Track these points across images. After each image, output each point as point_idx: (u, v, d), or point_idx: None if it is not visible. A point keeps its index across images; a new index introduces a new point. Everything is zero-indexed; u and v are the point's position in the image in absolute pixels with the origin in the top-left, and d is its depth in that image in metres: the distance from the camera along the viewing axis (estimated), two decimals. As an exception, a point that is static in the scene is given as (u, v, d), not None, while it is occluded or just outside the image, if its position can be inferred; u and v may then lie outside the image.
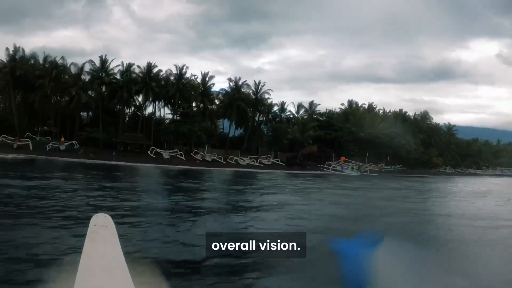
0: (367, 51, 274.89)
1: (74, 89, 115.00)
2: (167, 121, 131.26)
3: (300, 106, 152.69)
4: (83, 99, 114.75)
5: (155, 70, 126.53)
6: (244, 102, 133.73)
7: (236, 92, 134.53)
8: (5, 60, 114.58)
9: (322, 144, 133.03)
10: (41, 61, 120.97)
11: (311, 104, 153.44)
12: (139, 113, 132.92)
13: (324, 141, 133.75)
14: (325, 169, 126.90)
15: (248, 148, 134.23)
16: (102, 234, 3.61)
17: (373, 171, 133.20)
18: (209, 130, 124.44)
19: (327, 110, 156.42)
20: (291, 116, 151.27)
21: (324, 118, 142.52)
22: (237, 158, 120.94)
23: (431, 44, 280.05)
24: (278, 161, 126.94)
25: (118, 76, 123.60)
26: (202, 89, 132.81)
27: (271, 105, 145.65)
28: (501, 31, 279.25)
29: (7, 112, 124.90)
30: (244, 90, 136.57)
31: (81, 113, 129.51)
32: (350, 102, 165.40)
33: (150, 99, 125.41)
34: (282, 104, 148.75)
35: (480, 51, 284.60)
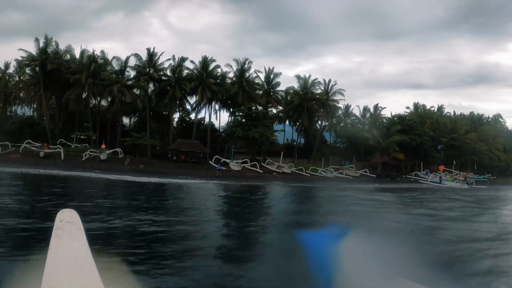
0: (405, 57, 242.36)
1: (117, 87, 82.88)
2: (222, 125, 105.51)
3: (366, 109, 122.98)
4: (128, 98, 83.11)
5: (212, 66, 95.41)
6: (316, 103, 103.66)
7: (307, 91, 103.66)
8: (34, 53, 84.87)
9: (404, 151, 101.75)
10: (77, 55, 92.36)
11: (376, 107, 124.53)
12: (187, 118, 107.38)
13: (407, 148, 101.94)
14: (420, 180, 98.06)
15: (318, 156, 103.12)
16: (68, 230, 3.25)
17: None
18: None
19: (392, 114, 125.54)
20: (356, 120, 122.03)
21: (407, 121, 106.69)
22: (321, 169, 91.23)
23: (469, 48, 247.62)
24: (366, 172, 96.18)
25: (168, 72, 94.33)
26: (267, 87, 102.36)
27: (343, 108, 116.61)
28: None
29: (39, 116, 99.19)
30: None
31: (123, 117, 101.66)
32: (416, 105, 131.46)
33: (205, 100, 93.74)
34: (347, 107, 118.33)
35: None
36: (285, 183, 69.25)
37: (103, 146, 75.26)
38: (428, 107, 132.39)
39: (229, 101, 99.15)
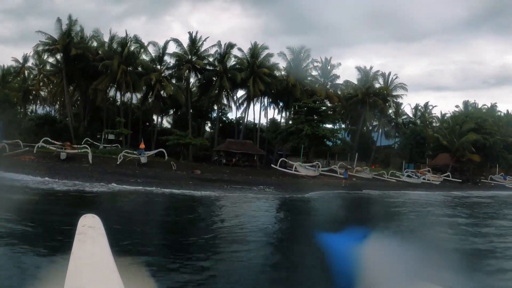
0: (427, 59, 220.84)
1: (155, 76, 60.43)
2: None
3: (416, 108, 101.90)
4: (169, 90, 61.52)
5: (263, 54, 73.42)
6: (378, 97, 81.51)
7: (370, 84, 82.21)
8: (55, 37, 63.98)
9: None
10: (106, 41, 70.29)
11: (426, 106, 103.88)
12: (223, 117, 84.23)
13: (479, 148, 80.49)
14: (507, 185, 77.84)
15: (377, 158, 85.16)
16: (90, 235, 3.07)
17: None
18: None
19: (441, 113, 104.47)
20: (407, 120, 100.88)
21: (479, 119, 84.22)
22: (400, 173, 70.38)
23: (491, 49, 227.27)
24: (448, 176, 75.22)
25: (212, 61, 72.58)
26: (324, 80, 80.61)
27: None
28: None
29: (61, 115, 78.10)
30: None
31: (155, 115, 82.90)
32: (466, 104, 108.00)
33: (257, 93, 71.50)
34: (398, 105, 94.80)
35: None
36: (400, 191, 52.16)
37: (142, 145, 53.53)
38: (479, 106, 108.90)
39: (279, 96, 78.05)
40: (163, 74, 67.44)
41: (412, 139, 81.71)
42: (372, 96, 79.45)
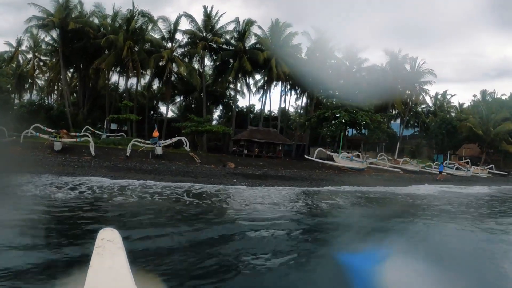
0: (427, 51, 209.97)
1: (167, 53, 47.06)
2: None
3: (436, 97, 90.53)
4: (183, 69, 48.45)
5: (286, 32, 59.99)
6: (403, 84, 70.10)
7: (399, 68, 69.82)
8: (51, 10, 50.73)
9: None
10: (109, 14, 56.79)
11: (444, 94, 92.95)
12: (232, 104, 65.52)
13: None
14: None
15: (403, 149, 71.72)
16: (109, 249, 2.90)
17: None
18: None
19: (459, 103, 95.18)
20: (426, 109, 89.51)
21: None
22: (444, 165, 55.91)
23: (492, 41, 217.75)
24: (492, 168, 63.34)
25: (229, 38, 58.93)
26: (348, 62, 66.55)
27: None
28: None
29: (58, 102, 64.09)
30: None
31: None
32: (484, 93, 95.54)
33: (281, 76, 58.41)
34: (426, 92, 78.33)
35: None
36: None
37: (156, 133, 39.97)
38: (497, 95, 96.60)
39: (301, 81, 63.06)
40: (175, 53, 54.19)
41: (443, 128, 68.96)
42: (402, 82, 66.91)
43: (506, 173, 61.41)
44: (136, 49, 51.85)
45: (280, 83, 63.68)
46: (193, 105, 65.84)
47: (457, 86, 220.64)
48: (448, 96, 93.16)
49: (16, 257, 9.26)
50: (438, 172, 48.63)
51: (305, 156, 47.43)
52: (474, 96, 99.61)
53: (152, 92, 65.76)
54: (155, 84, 64.91)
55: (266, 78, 60.87)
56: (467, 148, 77.47)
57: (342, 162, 44.04)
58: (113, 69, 56.00)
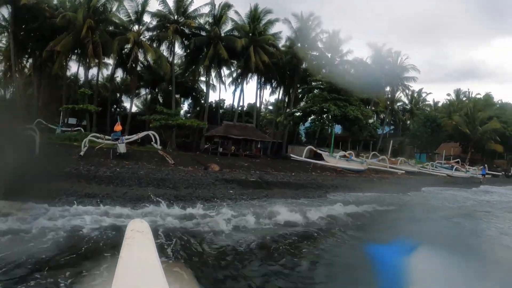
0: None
1: (133, 36, 39.36)
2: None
3: (412, 95, 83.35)
4: (152, 54, 40.42)
5: (266, 19, 53.09)
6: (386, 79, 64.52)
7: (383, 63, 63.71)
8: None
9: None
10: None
11: (420, 92, 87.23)
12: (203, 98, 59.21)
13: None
14: None
15: (382, 148, 63.20)
16: (138, 240, 2.83)
17: None
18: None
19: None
20: (402, 108, 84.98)
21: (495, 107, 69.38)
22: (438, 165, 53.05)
23: (456, 43, 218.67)
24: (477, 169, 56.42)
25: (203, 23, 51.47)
26: (330, 55, 58.66)
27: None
28: None
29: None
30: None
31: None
32: (458, 92, 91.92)
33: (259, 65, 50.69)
34: (408, 89, 73.36)
35: (506, 49, 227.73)
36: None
37: (119, 127, 32.08)
38: (472, 94, 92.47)
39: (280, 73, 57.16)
40: (142, 37, 46.57)
41: (428, 126, 63.43)
42: (385, 77, 61.24)
43: (499, 174, 56.43)
44: (98, 31, 44.02)
45: (256, 76, 56.78)
46: (160, 98, 58.19)
47: (420, 87, 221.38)
48: (424, 94, 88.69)
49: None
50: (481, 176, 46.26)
51: (291, 155, 40.58)
52: (448, 95, 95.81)
53: (115, 83, 58.05)
54: (119, 76, 57.55)
55: (242, 68, 53.89)
56: (446, 147, 72.71)
57: (334, 162, 37.33)
58: (71, 54, 48.05)
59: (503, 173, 58.18)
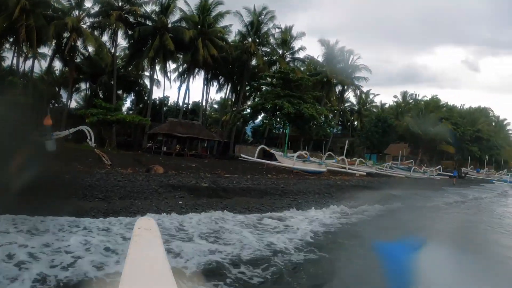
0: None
1: (72, 21, 35.10)
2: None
3: (360, 95, 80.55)
4: (92, 42, 36.03)
5: (217, 11, 49.91)
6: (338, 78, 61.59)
7: (336, 60, 61.82)
8: None
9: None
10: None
11: (367, 93, 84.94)
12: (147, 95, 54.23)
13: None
14: (494, 181, 59.27)
15: (332, 148, 59.89)
16: (146, 237, 2.76)
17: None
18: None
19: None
20: (349, 108, 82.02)
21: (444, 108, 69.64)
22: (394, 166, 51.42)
23: (398, 49, 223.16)
24: (439, 169, 57.12)
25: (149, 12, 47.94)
26: (282, 51, 57.01)
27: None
28: (467, 38, 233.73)
29: None
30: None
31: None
32: (405, 94, 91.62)
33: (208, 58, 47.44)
34: (359, 89, 71.77)
35: (446, 57, 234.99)
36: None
37: (49, 121, 27.45)
38: (419, 96, 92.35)
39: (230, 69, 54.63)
40: (82, 24, 42.06)
41: (379, 126, 61.82)
42: (339, 76, 59.12)
43: (457, 175, 55.62)
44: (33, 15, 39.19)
45: (203, 71, 53.35)
46: (101, 93, 53.52)
47: (365, 88, 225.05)
48: (371, 96, 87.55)
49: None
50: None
51: (242, 155, 37.30)
52: (395, 97, 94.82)
53: (53, 76, 53.05)
54: (57, 68, 52.70)
55: (189, 63, 50.41)
56: (395, 147, 71.72)
57: (290, 163, 34.34)
58: (3, 40, 42.95)
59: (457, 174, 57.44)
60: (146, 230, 2.84)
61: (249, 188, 18.93)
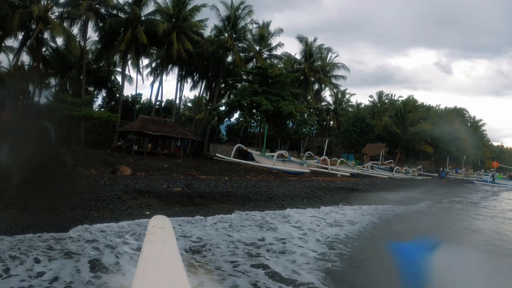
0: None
1: (38, 9, 32.55)
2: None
3: (337, 95, 79.38)
4: (58, 33, 33.06)
5: (192, 4, 47.79)
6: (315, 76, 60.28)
7: (314, 58, 60.45)
8: None
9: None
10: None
11: (343, 93, 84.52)
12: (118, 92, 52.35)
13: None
14: (474, 181, 57.60)
15: (309, 148, 63.09)
16: (160, 235, 2.81)
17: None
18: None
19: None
20: (326, 108, 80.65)
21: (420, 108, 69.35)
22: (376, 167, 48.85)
23: (371, 51, 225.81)
24: (420, 170, 54.62)
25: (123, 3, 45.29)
26: (259, 47, 55.29)
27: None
28: (440, 41, 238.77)
29: None
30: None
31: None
32: (381, 94, 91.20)
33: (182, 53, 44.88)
34: (336, 88, 70.80)
35: (419, 59, 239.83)
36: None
37: (6, 116, 24.76)
38: (395, 97, 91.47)
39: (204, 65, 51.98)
40: (50, 13, 39.35)
41: (357, 126, 60.29)
42: (317, 74, 57.49)
43: (435, 175, 54.63)
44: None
45: (177, 68, 51.13)
46: (69, 88, 50.72)
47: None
48: (347, 95, 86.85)
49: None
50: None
51: (218, 155, 35.25)
52: (371, 96, 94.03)
53: (21, 71, 50.12)
54: (26, 62, 49.82)
55: (163, 58, 48.13)
56: (371, 147, 70.53)
57: (269, 163, 32.27)
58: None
59: (437, 174, 56.28)
60: (160, 228, 2.86)
61: (229, 193, 16.22)
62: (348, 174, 36.11)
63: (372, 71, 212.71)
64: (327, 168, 35.70)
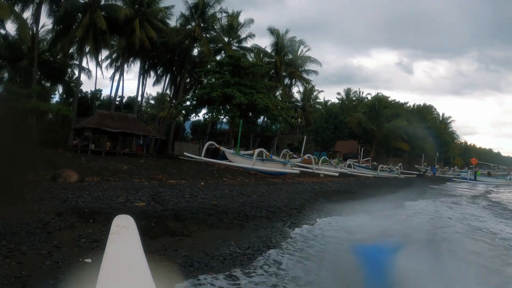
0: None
1: None
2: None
3: (305, 91, 75.41)
4: (8, 15, 28.71)
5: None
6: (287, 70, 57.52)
7: (286, 51, 57.10)
8: None
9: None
10: None
11: (311, 90, 79.14)
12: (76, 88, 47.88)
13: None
14: (453, 178, 54.11)
15: (279, 146, 55.88)
16: (124, 235, 2.68)
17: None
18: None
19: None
20: (294, 104, 70.21)
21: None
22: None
23: (334, 50, 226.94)
24: (400, 167, 50.08)
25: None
26: (228, 38, 51.28)
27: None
28: (402, 42, 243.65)
29: None
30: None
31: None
32: (348, 91, 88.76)
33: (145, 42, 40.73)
34: (308, 83, 65.95)
35: (381, 59, 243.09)
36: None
37: None
38: (363, 94, 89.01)
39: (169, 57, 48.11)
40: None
41: (330, 123, 56.93)
42: (289, 68, 53.92)
43: (425, 174, 52.72)
44: None
45: (139, 60, 46.58)
46: (20, 80, 45.28)
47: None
48: (315, 92, 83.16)
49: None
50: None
51: (186, 154, 30.97)
52: (339, 94, 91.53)
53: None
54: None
55: (124, 48, 43.43)
56: (342, 144, 67.58)
57: (247, 163, 28.12)
58: None
59: (419, 173, 53.83)
60: (124, 228, 2.75)
61: (216, 208, 10.82)
62: (337, 174, 32.38)
63: (335, 70, 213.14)
64: (311, 168, 31.87)
